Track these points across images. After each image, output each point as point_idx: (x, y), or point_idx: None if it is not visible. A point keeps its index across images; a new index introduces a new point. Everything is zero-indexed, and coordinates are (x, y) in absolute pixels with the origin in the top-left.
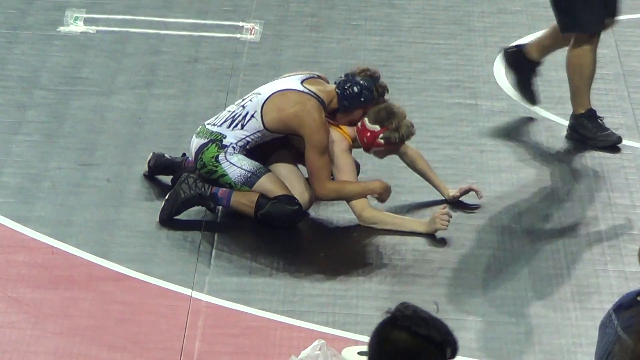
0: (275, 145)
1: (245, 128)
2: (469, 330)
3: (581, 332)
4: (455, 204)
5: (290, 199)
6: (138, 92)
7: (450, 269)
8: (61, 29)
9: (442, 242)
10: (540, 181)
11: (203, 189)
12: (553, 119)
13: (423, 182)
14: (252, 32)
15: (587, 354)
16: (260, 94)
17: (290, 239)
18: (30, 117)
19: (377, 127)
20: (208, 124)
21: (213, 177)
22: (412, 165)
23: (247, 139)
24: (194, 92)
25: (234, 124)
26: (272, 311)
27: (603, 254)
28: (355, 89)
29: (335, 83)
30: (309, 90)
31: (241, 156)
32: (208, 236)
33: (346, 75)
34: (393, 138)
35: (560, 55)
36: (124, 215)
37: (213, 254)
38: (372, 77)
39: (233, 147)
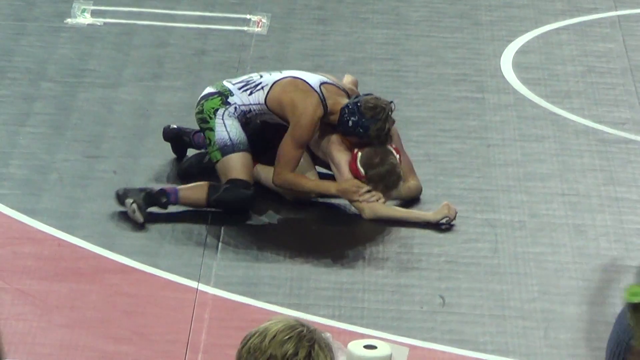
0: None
1: (251, 95)
2: (475, 324)
3: (587, 327)
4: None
5: (246, 184)
6: (145, 84)
7: (456, 263)
8: (68, 20)
9: (448, 236)
10: (546, 175)
11: (147, 189)
12: (560, 113)
13: (429, 177)
14: (260, 25)
15: (594, 349)
16: (280, 72)
17: (296, 232)
18: (37, 109)
19: (362, 171)
20: (225, 80)
21: (203, 126)
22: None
23: (250, 107)
24: (201, 85)
25: (246, 87)
26: (278, 304)
27: (610, 248)
28: (351, 122)
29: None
30: (320, 91)
31: (237, 123)
32: (214, 229)
33: (356, 101)
34: (375, 186)
35: (567, 50)
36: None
37: (219, 246)
38: (373, 117)
39: (235, 108)
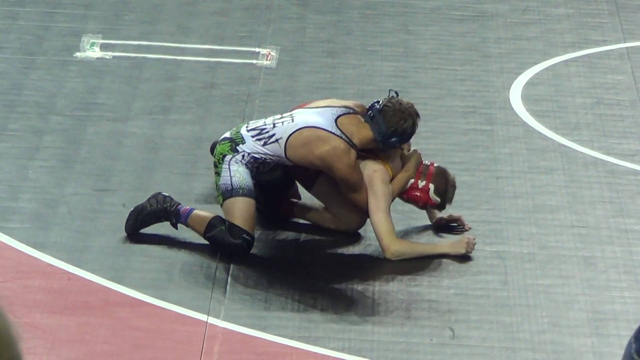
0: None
1: (266, 146)
2: (484, 357)
3: (597, 359)
4: (442, 227)
5: (240, 231)
6: (154, 117)
7: (466, 295)
8: (77, 54)
9: (458, 268)
10: (555, 207)
11: (168, 205)
12: (569, 145)
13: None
14: (268, 58)
15: None
16: (293, 120)
17: (305, 265)
18: (46, 143)
19: (437, 199)
20: (244, 124)
21: (215, 170)
22: None
23: (263, 155)
24: (210, 118)
25: (259, 137)
26: (287, 337)
27: (619, 280)
28: (395, 139)
29: (370, 114)
30: (341, 132)
31: (243, 169)
32: (224, 262)
33: (386, 125)
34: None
35: (576, 81)
36: (139, 241)
37: (229, 279)
38: (403, 119)
39: (243, 156)
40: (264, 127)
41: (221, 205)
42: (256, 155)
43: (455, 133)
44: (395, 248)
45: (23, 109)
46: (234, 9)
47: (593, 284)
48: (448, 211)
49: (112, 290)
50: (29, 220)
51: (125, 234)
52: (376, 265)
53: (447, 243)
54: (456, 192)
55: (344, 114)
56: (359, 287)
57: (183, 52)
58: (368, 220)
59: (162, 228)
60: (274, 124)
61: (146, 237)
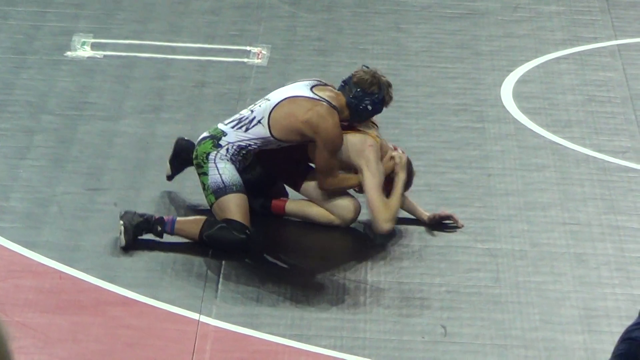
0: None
1: (249, 131)
2: (476, 354)
3: (589, 356)
4: (435, 225)
5: (241, 226)
6: (145, 116)
7: (458, 293)
8: (68, 53)
9: (450, 265)
10: (547, 204)
11: (146, 215)
12: (560, 143)
13: (430, 207)
14: (260, 57)
15: None
16: (269, 100)
17: (297, 263)
18: (37, 142)
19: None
20: (220, 122)
21: (198, 171)
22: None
23: (248, 142)
24: (201, 117)
25: (239, 125)
26: (279, 335)
27: (611, 277)
28: (370, 106)
29: (341, 84)
30: (320, 96)
31: (230, 165)
32: (215, 260)
33: (354, 88)
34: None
35: (567, 79)
36: (132, 242)
37: (220, 278)
38: (379, 87)
39: (227, 150)
40: (241, 116)
41: (211, 205)
42: (241, 144)
43: (447, 131)
44: (388, 226)
45: (14, 108)
46: (225, 7)
47: (585, 281)
48: (441, 210)
49: (104, 289)
50: (20, 219)
51: (115, 233)
52: (368, 263)
53: (397, 179)
54: (448, 189)
55: (316, 85)
56: (351, 285)
57: (174, 51)
58: (361, 214)
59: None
60: (251, 110)
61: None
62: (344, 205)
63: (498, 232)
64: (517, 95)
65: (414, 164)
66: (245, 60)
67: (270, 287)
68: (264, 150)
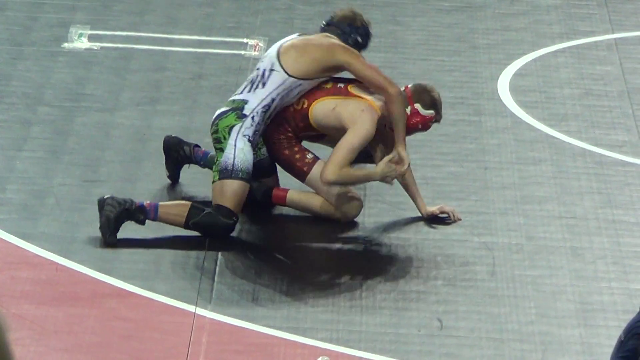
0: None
1: (266, 85)
2: (472, 348)
3: (585, 350)
4: (433, 219)
5: (229, 212)
6: (142, 108)
7: (454, 286)
8: (65, 45)
9: (446, 259)
10: (543, 198)
11: (126, 204)
12: (557, 136)
13: (426, 200)
14: (256, 49)
15: None
16: (268, 53)
17: (294, 256)
18: (34, 134)
19: (431, 112)
20: (230, 98)
21: (216, 146)
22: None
23: (270, 97)
24: (198, 109)
25: (254, 86)
26: (275, 328)
27: (607, 271)
28: (359, 39)
29: (325, 30)
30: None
31: (248, 149)
32: (211, 253)
33: (342, 23)
34: (435, 121)
35: (564, 73)
36: (127, 232)
37: (217, 270)
38: (361, 21)
39: (252, 118)
40: (250, 79)
41: (213, 181)
42: (264, 103)
43: (443, 124)
44: (331, 180)
45: (11, 99)
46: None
47: (581, 274)
48: (438, 203)
49: (100, 281)
50: (17, 211)
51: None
52: (365, 256)
53: (379, 171)
54: (444, 182)
55: (301, 34)
56: (347, 278)
57: (171, 43)
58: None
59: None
60: (257, 69)
61: (134, 228)
62: (347, 200)
63: (494, 225)
64: (514, 89)
65: (411, 157)
66: (243, 52)
67: (267, 280)
68: (272, 141)
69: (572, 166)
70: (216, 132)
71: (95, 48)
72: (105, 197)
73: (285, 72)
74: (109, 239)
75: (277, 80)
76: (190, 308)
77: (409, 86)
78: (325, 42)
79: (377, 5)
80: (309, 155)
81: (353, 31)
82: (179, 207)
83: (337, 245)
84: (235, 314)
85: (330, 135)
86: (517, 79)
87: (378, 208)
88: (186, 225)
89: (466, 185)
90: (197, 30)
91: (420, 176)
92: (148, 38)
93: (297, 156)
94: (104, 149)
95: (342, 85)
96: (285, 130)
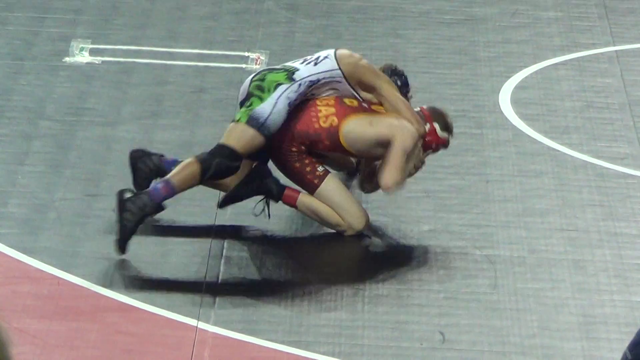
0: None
1: (317, 65)
2: None
3: None
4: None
5: (238, 157)
6: (144, 122)
7: (456, 299)
8: (67, 59)
9: (448, 272)
10: (545, 211)
11: (146, 208)
12: (559, 149)
13: (428, 213)
14: (258, 62)
15: None
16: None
17: (296, 269)
18: (35, 148)
19: (445, 135)
20: (287, 64)
21: (255, 92)
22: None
23: (317, 75)
24: (199, 123)
25: (306, 62)
26: (278, 342)
27: (609, 283)
28: (399, 82)
29: None
30: None
31: (284, 113)
32: (213, 266)
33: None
34: (444, 147)
35: (566, 85)
36: (129, 246)
37: (219, 284)
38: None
39: (299, 85)
40: (304, 58)
41: (236, 121)
42: (312, 78)
43: None
44: (395, 183)
45: (12, 114)
46: (224, 13)
47: (583, 287)
48: (440, 215)
49: (102, 296)
50: (19, 225)
51: (113, 239)
52: (366, 270)
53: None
54: (446, 195)
55: None
56: (350, 291)
57: (172, 56)
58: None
59: (151, 232)
60: (312, 54)
61: (136, 241)
62: (355, 213)
63: (496, 238)
64: (516, 102)
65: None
66: (244, 66)
67: (269, 294)
68: (281, 151)
69: (573, 179)
70: (262, 80)
71: (97, 62)
72: (127, 195)
73: (338, 64)
74: (120, 245)
75: (327, 66)
76: (193, 322)
77: (424, 107)
78: (375, 67)
79: (378, 19)
80: (320, 168)
81: (394, 75)
82: (189, 172)
83: (339, 259)
84: (238, 328)
85: (360, 152)
86: (518, 92)
87: (380, 221)
88: (202, 182)
89: (468, 198)
90: (199, 43)
91: (422, 189)
92: (149, 52)
93: (308, 169)
94: (106, 163)
95: (366, 105)
96: (298, 144)
